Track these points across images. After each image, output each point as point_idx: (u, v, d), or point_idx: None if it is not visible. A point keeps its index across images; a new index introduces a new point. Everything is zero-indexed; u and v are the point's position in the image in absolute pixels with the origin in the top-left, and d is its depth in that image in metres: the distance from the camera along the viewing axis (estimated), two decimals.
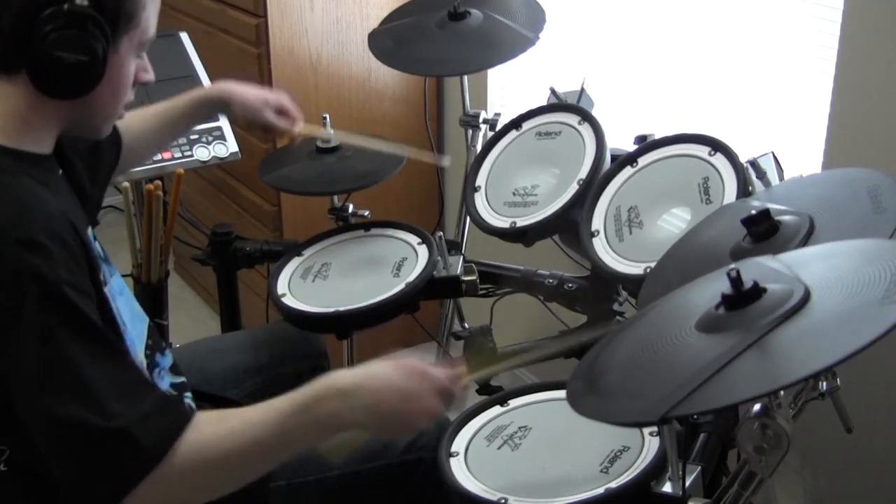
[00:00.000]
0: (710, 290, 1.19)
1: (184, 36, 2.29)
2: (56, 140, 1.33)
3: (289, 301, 1.81)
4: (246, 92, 1.80)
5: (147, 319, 1.47)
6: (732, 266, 1.12)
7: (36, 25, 1.22)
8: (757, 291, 1.11)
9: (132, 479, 1.15)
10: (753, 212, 1.34)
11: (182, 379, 1.52)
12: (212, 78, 2.19)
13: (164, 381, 1.46)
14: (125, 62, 1.31)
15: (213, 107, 1.82)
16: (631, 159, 1.76)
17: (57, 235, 1.19)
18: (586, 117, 1.88)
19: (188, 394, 1.53)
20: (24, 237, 1.16)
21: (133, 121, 1.64)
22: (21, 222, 1.17)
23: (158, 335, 1.49)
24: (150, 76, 1.39)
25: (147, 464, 1.15)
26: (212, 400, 1.64)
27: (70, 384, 1.14)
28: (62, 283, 1.16)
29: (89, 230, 1.33)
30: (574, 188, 1.80)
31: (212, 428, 1.21)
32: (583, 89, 2.02)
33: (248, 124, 1.86)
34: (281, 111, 1.83)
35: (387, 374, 1.27)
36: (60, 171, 1.36)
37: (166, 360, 1.49)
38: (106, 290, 1.29)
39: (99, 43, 1.24)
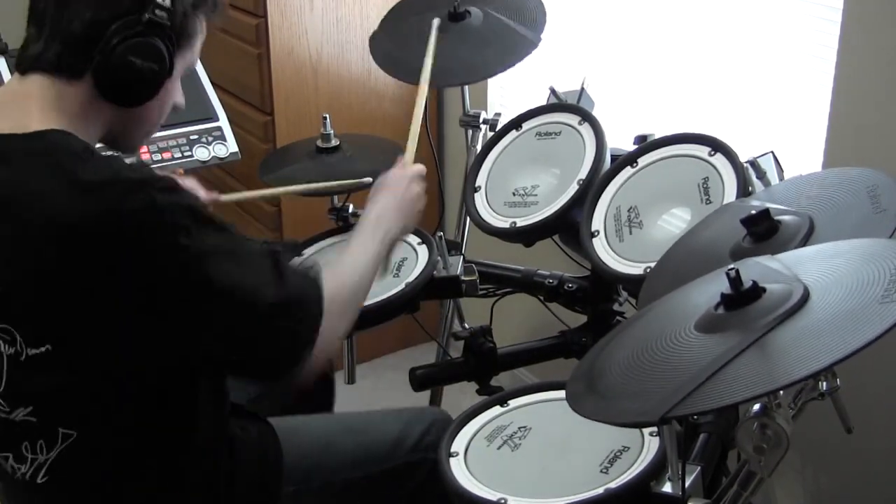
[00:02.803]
0: (710, 290, 1.19)
1: None
2: None
3: None
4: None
5: None
6: (732, 266, 1.12)
7: (110, 32, 1.26)
8: (756, 291, 1.11)
9: (315, 332, 1.32)
10: (753, 212, 1.34)
11: None
12: (212, 78, 2.18)
13: None
14: (176, 81, 1.37)
15: None
16: (631, 159, 1.76)
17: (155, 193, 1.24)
18: (586, 117, 1.88)
19: None
20: (145, 178, 1.23)
21: None
22: (135, 170, 1.24)
23: None
24: (182, 100, 1.43)
25: (320, 314, 1.33)
26: None
27: (247, 271, 1.27)
28: (198, 205, 1.26)
29: None
30: (574, 188, 1.80)
31: (329, 271, 1.40)
32: (583, 89, 2.02)
33: None
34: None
35: (387, 193, 1.63)
36: None
37: None
38: None
39: (168, 54, 1.30)
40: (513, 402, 1.51)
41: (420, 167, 1.70)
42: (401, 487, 1.61)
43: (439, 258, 1.81)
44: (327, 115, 2.02)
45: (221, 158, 2.13)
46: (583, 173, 1.81)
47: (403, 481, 1.60)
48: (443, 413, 1.73)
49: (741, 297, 1.11)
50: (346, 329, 1.44)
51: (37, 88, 1.28)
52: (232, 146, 2.15)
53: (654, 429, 1.35)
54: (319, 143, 2.03)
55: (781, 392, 1.10)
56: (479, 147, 2.14)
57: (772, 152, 1.66)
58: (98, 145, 1.36)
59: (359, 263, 1.49)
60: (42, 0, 1.29)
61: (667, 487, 1.28)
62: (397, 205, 1.61)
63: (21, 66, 1.31)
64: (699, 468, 1.33)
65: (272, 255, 1.32)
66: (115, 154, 1.34)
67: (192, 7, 1.33)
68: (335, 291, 1.38)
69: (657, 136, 1.79)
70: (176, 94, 1.39)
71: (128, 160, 1.32)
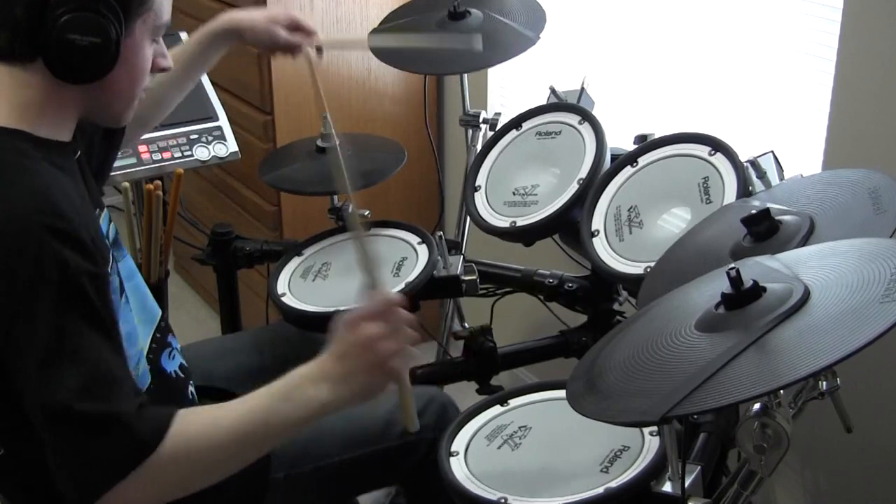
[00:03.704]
0: (710, 289, 1.19)
1: (184, 36, 2.29)
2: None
3: (289, 301, 1.81)
4: (253, 16, 1.75)
5: (156, 319, 1.48)
6: (732, 265, 1.12)
7: (48, 10, 1.23)
8: (757, 291, 1.11)
9: (126, 466, 1.16)
10: (753, 211, 1.34)
11: (187, 368, 1.54)
12: (212, 77, 2.19)
13: (175, 362, 1.48)
14: (141, 46, 1.31)
15: (225, 39, 1.76)
16: (631, 159, 1.76)
17: (79, 223, 1.20)
18: (586, 117, 1.89)
19: (192, 382, 1.54)
20: (48, 223, 1.17)
21: None
22: (45, 208, 1.18)
23: (166, 337, 1.50)
24: (168, 62, 1.39)
25: (141, 452, 1.16)
26: (215, 397, 1.64)
27: (73, 372, 1.15)
28: (82, 272, 1.17)
29: (104, 214, 1.35)
30: (574, 188, 1.80)
31: (197, 419, 1.22)
32: (583, 89, 2.02)
33: (265, 48, 1.79)
34: (293, 27, 1.77)
35: (336, 345, 1.28)
36: (76, 155, 1.37)
37: (175, 341, 1.51)
38: (111, 278, 1.30)
39: (111, 25, 1.25)
40: (513, 402, 1.51)
41: (389, 299, 1.30)
42: (396, 468, 1.60)
43: (439, 258, 1.81)
44: (327, 115, 2.02)
45: (221, 158, 2.13)
46: (583, 173, 1.81)
47: (398, 462, 1.59)
48: (438, 392, 1.71)
49: (741, 296, 1.11)
50: (184, 493, 1.24)
51: None
52: (232, 146, 2.15)
53: (655, 428, 1.35)
54: (319, 142, 2.03)
55: (782, 391, 1.10)
56: (479, 146, 2.15)
57: (772, 152, 1.66)
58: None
59: (247, 426, 1.23)
60: None
61: (667, 487, 1.28)
62: (347, 367, 1.27)
63: None
64: (699, 468, 1.33)
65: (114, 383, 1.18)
66: (41, 189, 1.21)
67: None
68: (190, 447, 1.20)
69: (657, 135, 1.80)
70: (146, 57, 1.33)
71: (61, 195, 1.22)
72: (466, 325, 2.32)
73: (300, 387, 1.26)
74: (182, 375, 1.51)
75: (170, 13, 1.35)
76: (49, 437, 1.16)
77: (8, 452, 1.27)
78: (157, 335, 1.46)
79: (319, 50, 1.80)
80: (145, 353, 1.42)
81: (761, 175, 1.63)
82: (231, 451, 1.24)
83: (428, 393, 1.65)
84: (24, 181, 1.20)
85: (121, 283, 1.35)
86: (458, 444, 1.43)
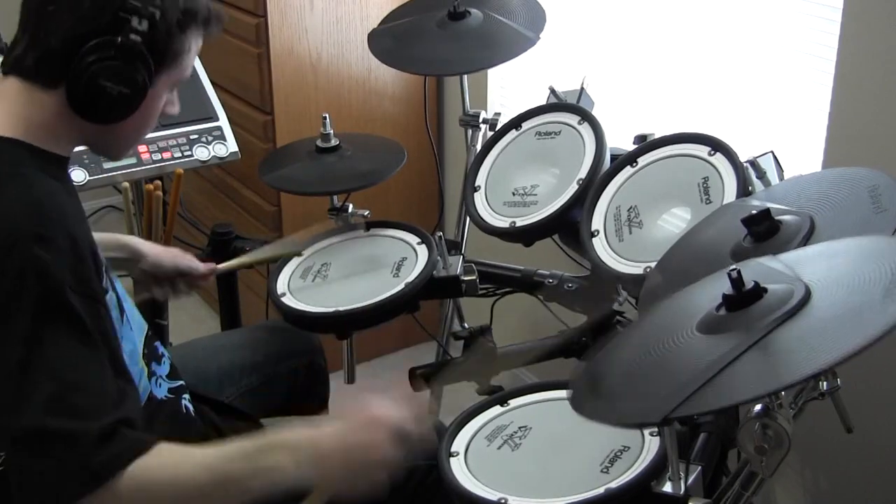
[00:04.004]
0: (711, 290, 1.19)
1: None
2: None
3: (289, 301, 1.81)
4: (156, 248, 1.75)
5: (145, 328, 1.47)
6: (733, 266, 1.12)
7: (85, 50, 1.24)
8: (758, 292, 1.11)
9: (75, 490, 1.12)
10: (754, 212, 1.34)
11: (180, 382, 1.53)
12: (212, 77, 2.18)
13: (162, 389, 1.47)
14: (158, 97, 1.34)
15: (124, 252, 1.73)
16: (631, 159, 1.76)
17: (70, 235, 1.19)
18: (586, 117, 1.88)
19: (186, 395, 1.53)
20: (37, 232, 1.16)
21: None
22: (37, 217, 1.18)
23: (154, 345, 1.49)
24: (175, 109, 1.41)
25: (90, 481, 1.11)
26: (210, 403, 1.63)
27: (41, 385, 1.13)
28: (66, 285, 1.16)
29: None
30: (574, 188, 1.80)
31: (167, 460, 1.17)
32: (583, 89, 2.02)
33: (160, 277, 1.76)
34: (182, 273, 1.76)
35: (339, 429, 1.24)
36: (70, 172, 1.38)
37: (163, 368, 1.49)
38: (108, 296, 1.29)
39: (141, 78, 1.27)
40: (513, 402, 1.51)
41: (405, 420, 1.25)
42: (392, 494, 1.60)
43: (439, 258, 1.81)
44: (327, 115, 2.02)
45: (221, 158, 2.13)
46: (582, 173, 1.81)
47: (394, 488, 1.59)
48: (434, 419, 1.71)
49: (743, 297, 1.11)
50: None
51: (11, 91, 1.28)
52: (232, 146, 2.15)
53: (655, 428, 1.35)
54: (319, 142, 2.03)
55: (783, 392, 1.10)
56: (478, 147, 2.14)
57: (772, 152, 1.66)
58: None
59: (208, 480, 1.18)
60: (27, 6, 1.28)
61: (667, 487, 1.28)
62: (345, 457, 1.22)
63: (3, 65, 1.30)
64: (699, 468, 1.33)
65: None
66: (34, 199, 1.21)
67: (179, 27, 1.30)
68: (149, 488, 1.15)
69: (657, 135, 1.79)
70: (159, 107, 1.36)
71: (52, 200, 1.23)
72: (466, 325, 2.32)
73: (272, 452, 1.20)
74: (172, 396, 1.50)
75: (191, 70, 1.37)
76: (10, 451, 1.14)
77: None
78: (144, 360, 1.44)
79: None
80: (146, 373, 1.42)
81: (761, 175, 1.63)
82: (185, 499, 1.18)
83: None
84: (17, 190, 1.20)
85: (119, 301, 1.35)
86: (458, 444, 1.43)
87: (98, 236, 1.59)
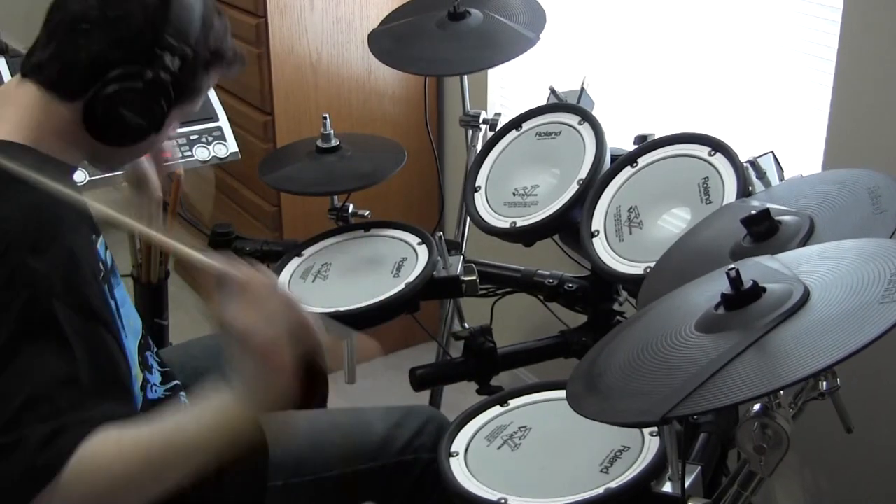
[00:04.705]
0: (710, 289, 1.19)
1: None
2: None
3: None
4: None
5: (140, 334, 1.47)
6: (732, 266, 1.12)
7: (113, 75, 1.25)
8: (756, 291, 1.11)
9: (24, 493, 1.11)
10: (753, 212, 1.34)
11: (175, 383, 1.52)
12: None
13: (157, 394, 1.47)
14: (168, 127, 1.36)
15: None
16: (631, 159, 1.76)
17: (66, 245, 1.19)
18: (586, 117, 1.88)
19: (183, 393, 1.53)
20: (31, 241, 1.16)
21: None
22: (34, 225, 1.18)
23: (145, 355, 1.48)
24: (175, 131, 1.44)
25: (36, 481, 1.10)
26: None
27: (12, 394, 1.11)
28: (52, 295, 1.15)
29: (100, 239, 1.34)
30: (574, 188, 1.80)
31: (103, 442, 1.13)
32: (583, 89, 2.02)
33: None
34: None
35: (237, 362, 1.18)
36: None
37: (154, 377, 1.49)
38: (112, 303, 1.28)
39: (161, 112, 1.29)
40: (513, 402, 1.51)
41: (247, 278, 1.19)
42: (394, 486, 1.60)
43: (439, 258, 1.81)
44: (327, 115, 2.02)
45: (221, 158, 2.13)
46: (583, 173, 1.81)
47: (396, 480, 1.59)
48: (435, 412, 1.72)
49: (741, 296, 1.11)
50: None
51: (27, 96, 1.28)
52: (232, 146, 2.15)
53: (655, 428, 1.35)
54: (319, 142, 2.03)
55: (782, 392, 1.10)
56: (479, 147, 2.14)
57: (772, 152, 1.66)
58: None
59: (151, 446, 1.15)
60: (58, 14, 1.29)
61: (667, 487, 1.28)
62: (239, 368, 1.18)
63: (23, 67, 1.31)
64: (699, 468, 1.33)
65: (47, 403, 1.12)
66: (33, 206, 1.19)
67: (205, 67, 1.33)
68: (92, 472, 1.12)
69: (657, 135, 1.79)
70: (167, 136, 1.39)
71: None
72: (466, 325, 2.32)
73: (207, 399, 1.18)
74: (170, 394, 1.50)
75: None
76: None
77: None
78: (140, 359, 1.44)
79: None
80: (140, 382, 1.42)
81: (761, 175, 1.63)
82: (138, 472, 1.15)
83: (425, 413, 1.66)
84: (18, 196, 1.20)
85: (118, 310, 1.34)
86: (458, 444, 1.43)
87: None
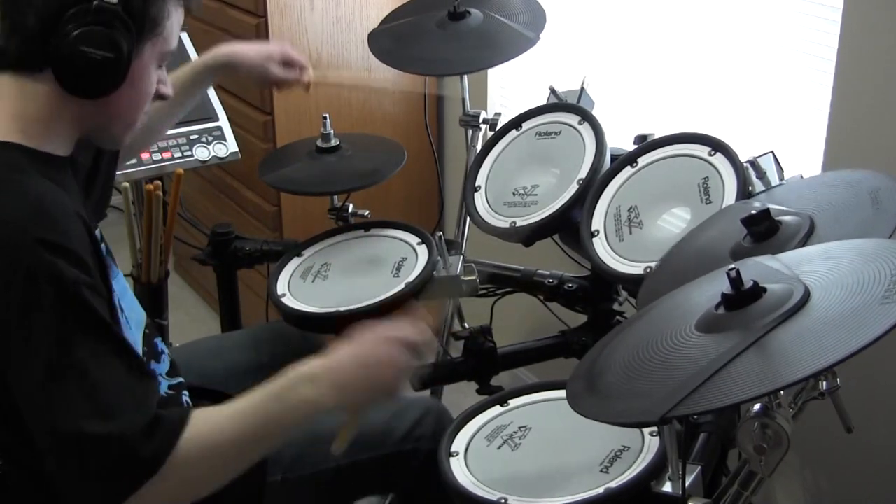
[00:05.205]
0: (710, 289, 1.19)
1: (184, 36, 2.29)
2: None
3: (289, 301, 1.81)
4: (248, 51, 1.78)
5: (143, 326, 1.47)
6: (732, 266, 1.12)
7: (62, 22, 1.23)
8: (757, 291, 1.11)
9: (129, 485, 1.16)
10: (753, 212, 1.34)
11: (179, 379, 1.53)
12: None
13: (162, 387, 1.47)
14: (148, 69, 1.33)
15: (219, 71, 1.80)
16: (631, 159, 1.76)
17: (74, 235, 1.19)
18: (586, 117, 1.88)
19: (185, 392, 1.54)
20: (41, 236, 1.16)
21: None
22: (39, 220, 1.18)
23: (153, 342, 1.49)
24: (169, 90, 1.41)
25: (143, 473, 1.16)
26: (210, 396, 1.63)
27: (76, 388, 1.15)
28: (80, 283, 1.16)
29: (96, 231, 1.34)
30: (574, 188, 1.80)
31: (203, 426, 1.21)
32: (583, 89, 2.02)
33: (258, 83, 1.85)
34: (286, 62, 1.81)
35: (349, 350, 1.30)
36: (75, 169, 1.37)
37: (163, 365, 1.49)
38: (114, 292, 1.29)
39: (124, 42, 1.26)
40: (513, 402, 1.51)
41: (408, 331, 1.33)
42: (393, 476, 1.60)
43: (439, 258, 1.81)
44: (327, 115, 2.02)
45: (221, 158, 2.13)
46: (583, 173, 1.81)
47: (395, 470, 1.59)
48: (436, 402, 1.72)
49: (742, 297, 1.11)
50: (194, 498, 1.25)
51: (4, 89, 1.27)
52: (232, 146, 2.15)
53: (655, 428, 1.35)
54: (319, 142, 2.03)
55: (782, 392, 1.10)
56: (479, 147, 2.14)
57: (772, 152, 1.66)
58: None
59: (249, 427, 1.24)
60: None
61: (667, 487, 1.28)
62: (356, 376, 1.29)
63: None
64: (699, 468, 1.33)
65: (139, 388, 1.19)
66: (34, 202, 1.20)
67: None
68: (194, 459, 1.20)
69: (657, 135, 1.79)
70: (152, 81, 1.35)
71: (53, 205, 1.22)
72: (466, 325, 2.32)
73: (296, 387, 1.26)
74: (173, 392, 1.50)
75: (176, 43, 1.36)
76: (55, 457, 1.16)
77: (8, 467, 1.27)
78: (145, 349, 1.45)
79: (308, 86, 1.84)
80: None
81: (761, 175, 1.63)
82: (234, 455, 1.24)
83: (424, 403, 1.66)
84: (16, 195, 1.20)
85: (119, 301, 1.34)
86: (458, 444, 1.43)
87: (191, 65, 1.75)
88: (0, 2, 1.28)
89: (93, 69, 1.25)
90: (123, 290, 1.40)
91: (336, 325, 1.77)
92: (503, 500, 1.29)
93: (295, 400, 1.26)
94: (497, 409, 1.50)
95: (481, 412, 1.49)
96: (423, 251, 1.85)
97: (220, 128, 2.15)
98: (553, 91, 2.04)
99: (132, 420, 1.16)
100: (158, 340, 1.50)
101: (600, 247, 1.70)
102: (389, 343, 1.30)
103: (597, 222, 1.73)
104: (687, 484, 1.26)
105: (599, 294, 1.91)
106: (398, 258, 1.86)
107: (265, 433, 1.26)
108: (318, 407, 1.27)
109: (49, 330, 1.15)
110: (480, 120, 2.20)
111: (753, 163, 1.63)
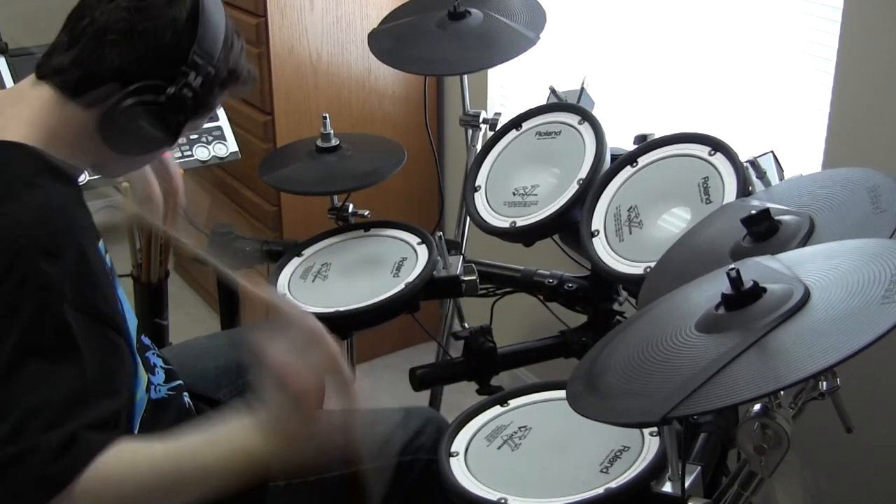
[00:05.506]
0: (710, 290, 1.19)
1: None
2: None
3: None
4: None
5: (135, 336, 1.47)
6: (732, 266, 1.12)
7: (136, 87, 1.26)
8: (757, 291, 1.11)
9: (35, 501, 1.11)
10: (753, 212, 1.34)
11: (178, 382, 1.52)
12: None
13: (160, 393, 1.47)
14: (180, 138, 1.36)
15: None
16: (631, 159, 1.76)
17: (78, 250, 1.19)
18: (586, 117, 1.88)
19: (185, 393, 1.54)
20: (44, 245, 1.16)
21: None
22: (46, 228, 1.18)
23: (146, 356, 1.48)
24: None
25: (46, 492, 1.11)
26: (207, 401, 1.64)
27: (16, 403, 1.11)
28: (64, 301, 1.15)
29: (100, 243, 1.35)
30: (574, 188, 1.80)
31: (118, 459, 1.15)
32: (583, 89, 2.02)
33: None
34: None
35: (263, 389, 1.23)
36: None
37: (157, 377, 1.49)
38: (120, 305, 1.29)
39: (177, 125, 1.31)
40: (513, 402, 1.51)
41: (310, 330, 1.30)
42: (393, 487, 1.60)
43: (439, 258, 1.81)
44: (327, 115, 2.02)
45: (221, 158, 2.13)
46: (583, 173, 1.81)
47: (395, 481, 1.60)
48: (434, 414, 1.72)
49: (742, 297, 1.11)
50: None
51: (42, 98, 1.28)
52: (232, 146, 2.15)
53: (655, 428, 1.35)
54: (319, 142, 2.03)
55: (782, 392, 1.10)
56: (479, 147, 2.14)
57: (772, 152, 1.66)
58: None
59: (164, 470, 1.18)
60: (83, 22, 1.28)
61: (667, 487, 1.28)
62: (276, 414, 1.22)
63: (40, 69, 1.30)
64: (699, 468, 1.33)
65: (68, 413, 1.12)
66: (43, 208, 1.20)
67: (222, 85, 1.34)
68: (106, 486, 1.13)
69: (657, 135, 1.79)
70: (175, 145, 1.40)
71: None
72: (466, 325, 2.32)
73: (231, 436, 1.21)
74: (173, 393, 1.50)
75: None
76: None
77: None
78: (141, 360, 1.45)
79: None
80: (145, 383, 1.42)
81: (761, 175, 1.63)
82: (150, 491, 1.17)
83: (425, 414, 1.66)
84: (31, 200, 1.20)
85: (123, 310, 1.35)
86: (458, 444, 1.43)
87: None
88: (74, 29, 1.29)
89: (139, 138, 1.29)
90: (123, 300, 1.40)
91: (336, 324, 1.77)
92: (503, 500, 1.29)
93: (228, 449, 1.20)
94: (497, 410, 1.50)
95: (481, 412, 1.49)
96: (423, 251, 1.85)
97: (220, 128, 2.15)
98: (553, 91, 2.04)
99: (48, 439, 1.10)
100: (150, 354, 1.49)
101: (600, 247, 1.70)
102: (316, 375, 1.24)
103: (597, 222, 1.73)
104: (687, 484, 1.26)
105: (599, 294, 1.91)
106: (398, 258, 1.86)
107: (186, 469, 1.19)
108: (253, 458, 1.21)
109: (14, 341, 1.13)
110: (480, 120, 2.20)
111: (753, 162, 1.63)
